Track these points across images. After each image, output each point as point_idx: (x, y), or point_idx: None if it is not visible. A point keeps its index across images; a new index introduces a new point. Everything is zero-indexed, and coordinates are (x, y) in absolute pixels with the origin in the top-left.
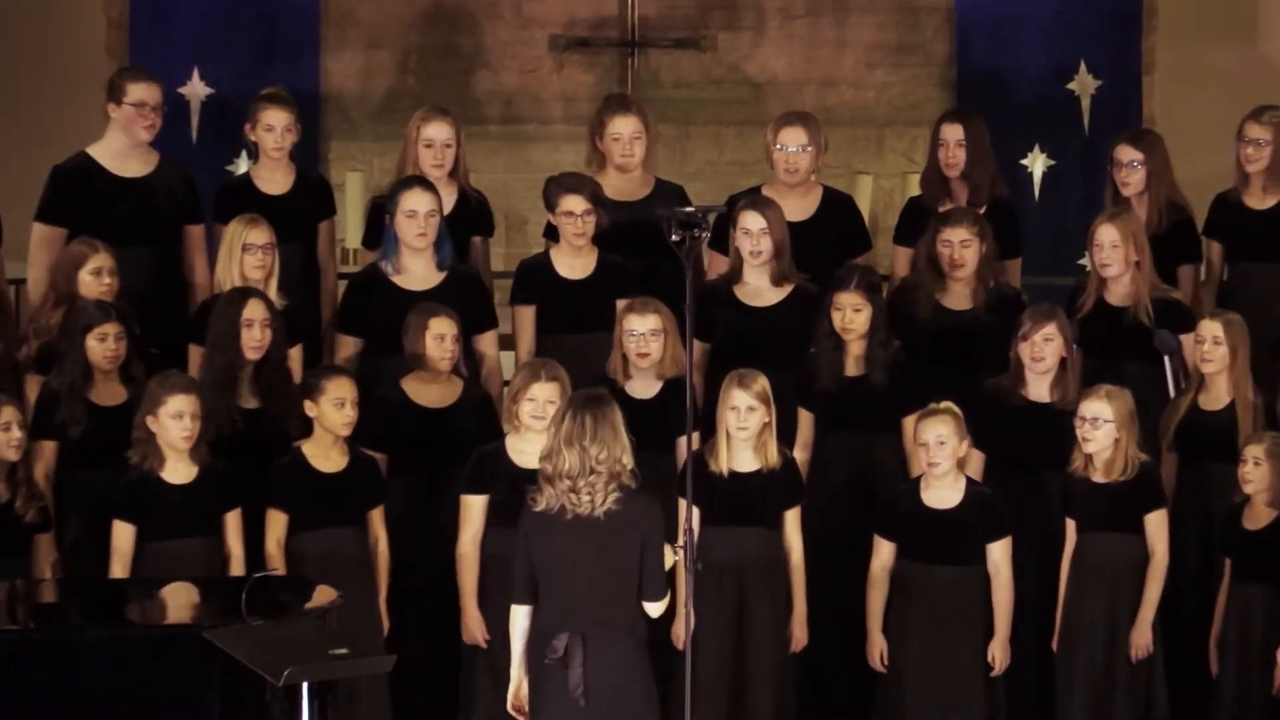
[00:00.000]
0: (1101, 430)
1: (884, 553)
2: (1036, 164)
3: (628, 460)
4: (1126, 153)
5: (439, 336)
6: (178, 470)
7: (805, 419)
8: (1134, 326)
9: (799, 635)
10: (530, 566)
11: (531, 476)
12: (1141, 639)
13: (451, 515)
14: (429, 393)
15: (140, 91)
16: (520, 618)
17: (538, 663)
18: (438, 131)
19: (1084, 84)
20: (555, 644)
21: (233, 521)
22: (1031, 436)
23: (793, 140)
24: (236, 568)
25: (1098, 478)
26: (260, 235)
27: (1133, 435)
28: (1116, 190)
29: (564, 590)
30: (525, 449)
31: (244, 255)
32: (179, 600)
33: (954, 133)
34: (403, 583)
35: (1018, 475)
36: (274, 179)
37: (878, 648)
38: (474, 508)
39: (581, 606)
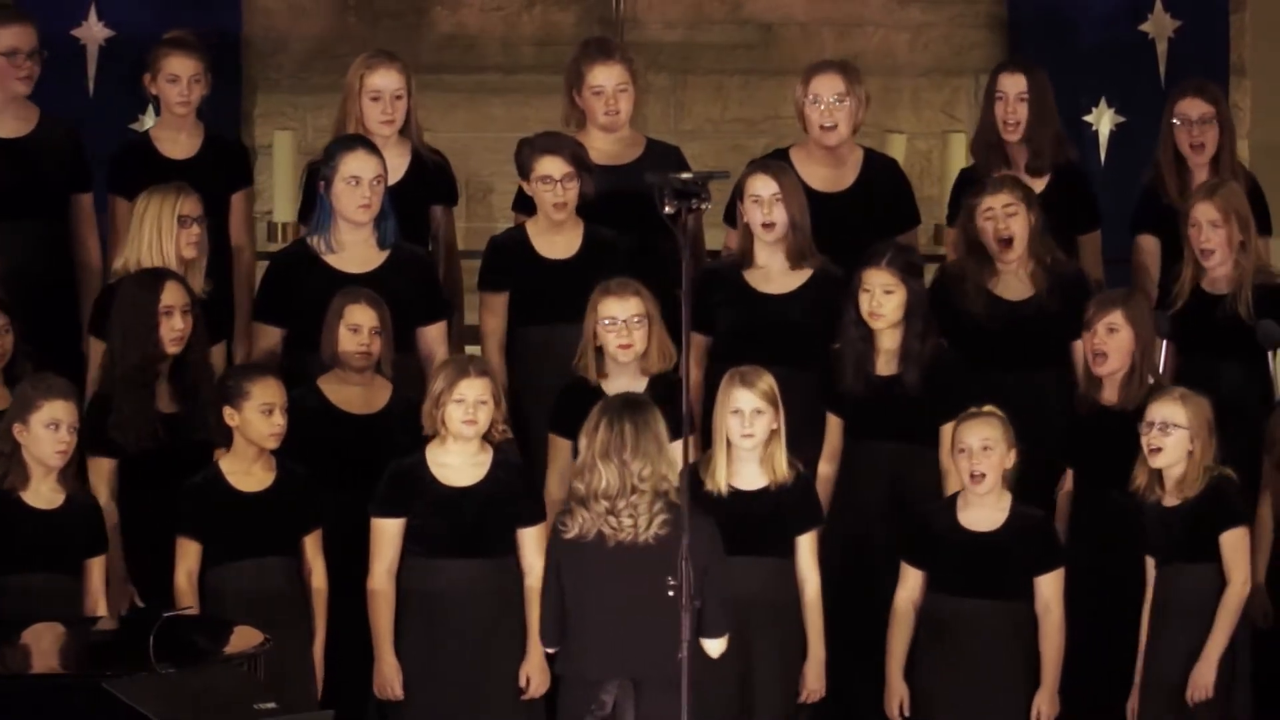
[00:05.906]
0: (1172, 438)
1: (910, 583)
2: (1103, 121)
3: (674, 476)
4: (1196, 107)
5: (354, 327)
6: (40, 493)
7: (833, 425)
8: (1230, 319)
9: (813, 685)
10: (562, 604)
11: (458, 496)
12: (1203, 678)
13: None
14: (352, 396)
15: (9, 37)
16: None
17: (575, 717)
18: (385, 81)
19: (1160, 25)
20: (604, 698)
21: (97, 567)
22: (1101, 447)
23: (828, 89)
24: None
25: (1168, 500)
26: (196, 205)
27: (1209, 449)
28: (1178, 154)
29: (609, 631)
30: (451, 462)
31: (180, 230)
32: (69, 644)
33: (1015, 85)
34: (336, 625)
35: (1094, 494)
36: (178, 140)
37: (897, 696)
38: (387, 534)
39: (632, 649)
